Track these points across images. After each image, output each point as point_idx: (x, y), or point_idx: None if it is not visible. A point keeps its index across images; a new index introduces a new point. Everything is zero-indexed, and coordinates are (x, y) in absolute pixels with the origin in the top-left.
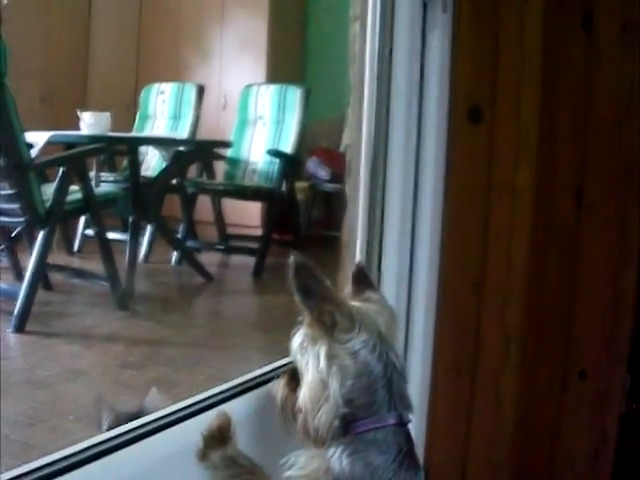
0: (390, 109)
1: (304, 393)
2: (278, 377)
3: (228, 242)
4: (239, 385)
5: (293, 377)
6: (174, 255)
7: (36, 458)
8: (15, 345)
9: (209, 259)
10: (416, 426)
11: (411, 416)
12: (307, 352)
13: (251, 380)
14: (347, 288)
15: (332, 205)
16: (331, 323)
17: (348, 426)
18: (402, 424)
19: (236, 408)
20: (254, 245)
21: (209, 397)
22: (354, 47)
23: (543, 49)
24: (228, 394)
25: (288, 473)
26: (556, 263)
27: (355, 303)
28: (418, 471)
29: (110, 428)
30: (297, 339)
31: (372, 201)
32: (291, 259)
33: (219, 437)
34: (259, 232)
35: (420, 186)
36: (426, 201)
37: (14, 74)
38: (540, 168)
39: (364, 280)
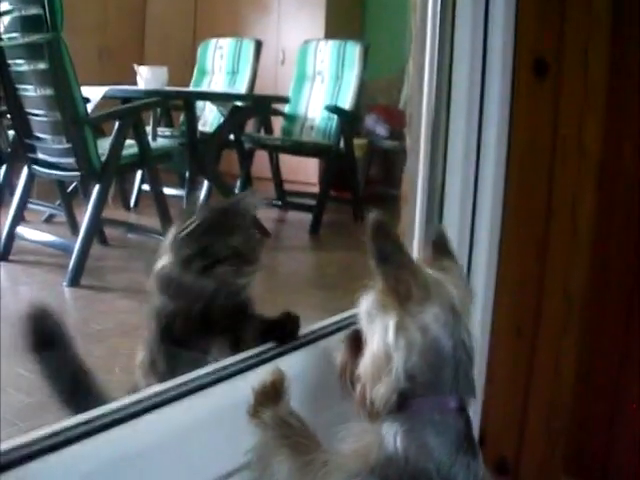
0: (453, 61)
1: (366, 362)
2: (341, 340)
3: (285, 198)
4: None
5: (356, 342)
6: None
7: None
8: (70, 299)
9: (266, 215)
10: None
11: (472, 401)
12: (375, 320)
13: (307, 335)
14: (424, 252)
15: (391, 163)
16: (405, 293)
17: (406, 402)
18: (462, 408)
19: (291, 364)
20: (311, 202)
21: (264, 352)
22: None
23: (611, 6)
24: (282, 349)
25: (339, 446)
26: (622, 225)
27: (431, 272)
28: (476, 456)
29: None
30: (365, 304)
31: (433, 155)
32: (370, 218)
33: (272, 394)
34: (316, 189)
35: (483, 141)
36: (489, 157)
37: (71, 28)
38: (608, 125)
39: (444, 246)
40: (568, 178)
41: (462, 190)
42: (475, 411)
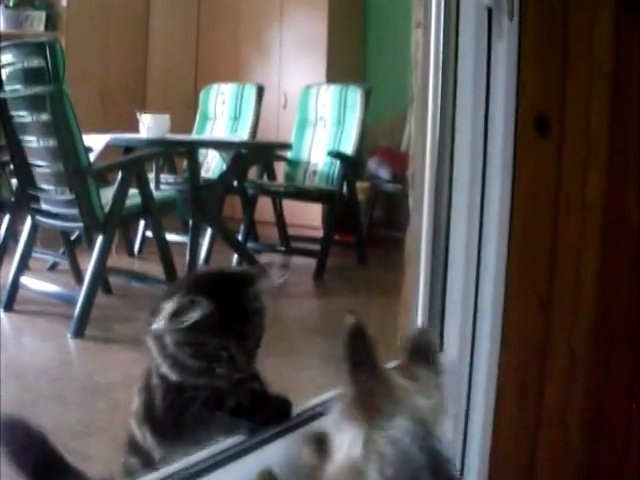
0: (455, 117)
1: (335, 473)
2: (306, 440)
3: (289, 243)
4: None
5: (322, 446)
6: (234, 257)
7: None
8: (74, 351)
9: (270, 261)
10: (481, 450)
11: None
12: (343, 429)
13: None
14: (401, 356)
15: (393, 205)
16: (375, 407)
17: None
18: None
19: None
20: (315, 247)
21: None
22: (417, 54)
23: (613, 59)
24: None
25: None
26: (627, 282)
27: (402, 381)
28: None
29: None
30: (334, 411)
31: (437, 213)
32: (347, 321)
33: None
34: (320, 233)
35: (486, 199)
36: (492, 214)
37: (73, 76)
38: (610, 182)
39: (422, 353)
40: (572, 234)
41: (466, 248)
42: (481, 475)
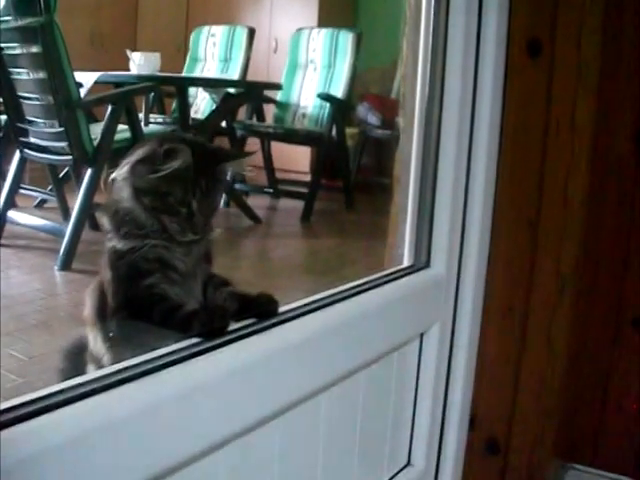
0: (447, 41)
1: None
2: None
3: (277, 186)
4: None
5: None
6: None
7: None
8: (61, 282)
9: (257, 202)
10: (466, 366)
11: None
12: None
13: (286, 313)
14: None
15: (382, 151)
16: None
17: None
18: None
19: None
20: (303, 190)
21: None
22: None
23: None
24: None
25: None
26: (614, 204)
27: None
28: None
29: None
30: None
31: (426, 135)
32: None
33: None
34: (308, 178)
35: (476, 121)
36: (482, 137)
37: (64, 12)
38: (600, 106)
39: None
40: (560, 156)
41: (455, 169)
42: (466, 392)
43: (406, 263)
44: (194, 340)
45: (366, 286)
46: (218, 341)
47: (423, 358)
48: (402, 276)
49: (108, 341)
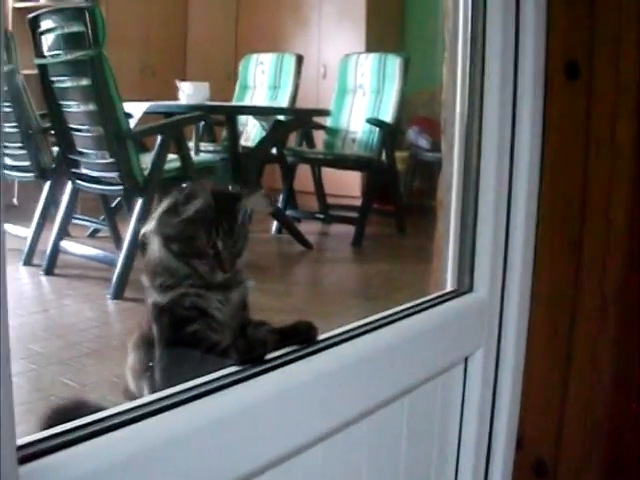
0: (485, 64)
1: None
2: None
3: (328, 211)
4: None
5: None
6: (274, 224)
7: None
8: (113, 311)
9: (309, 228)
10: (511, 389)
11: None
12: None
13: (326, 340)
14: None
15: (433, 175)
16: None
17: None
18: None
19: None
20: (354, 214)
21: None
22: (447, 2)
23: None
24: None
25: None
26: None
27: None
28: None
29: None
30: None
31: (467, 158)
32: None
33: None
34: (359, 202)
35: (516, 143)
36: (523, 158)
37: (113, 45)
38: None
39: None
40: (601, 176)
41: (496, 192)
42: (512, 415)
43: (449, 287)
44: (233, 369)
45: (409, 311)
46: (259, 368)
47: (468, 383)
48: (445, 301)
49: (152, 388)
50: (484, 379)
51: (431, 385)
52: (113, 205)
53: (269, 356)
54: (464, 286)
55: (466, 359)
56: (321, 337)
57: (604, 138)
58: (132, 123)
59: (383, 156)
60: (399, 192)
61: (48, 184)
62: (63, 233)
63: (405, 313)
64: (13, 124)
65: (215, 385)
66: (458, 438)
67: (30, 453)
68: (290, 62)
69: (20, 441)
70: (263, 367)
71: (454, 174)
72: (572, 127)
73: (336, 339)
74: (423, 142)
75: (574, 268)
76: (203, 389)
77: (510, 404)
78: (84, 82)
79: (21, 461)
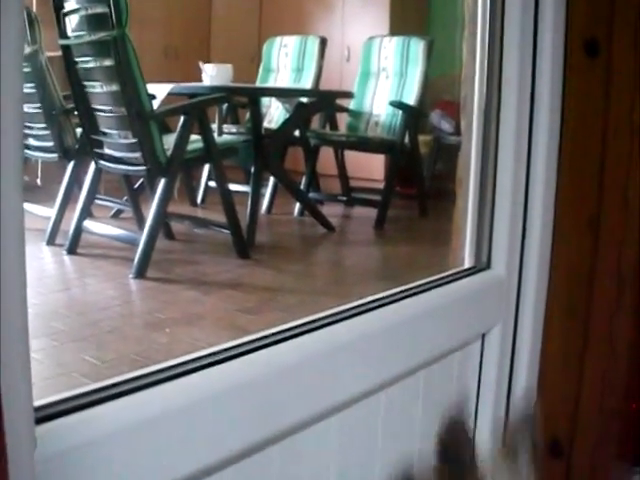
0: (504, 41)
1: None
2: None
3: (350, 194)
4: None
5: None
6: (296, 206)
7: None
8: (135, 290)
9: (331, 211)
10: (528, 366)
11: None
12: None
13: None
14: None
15: (456, 158)
16: None
17: None
18: None
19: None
20: (376, 197)
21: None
22: None
23: None
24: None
25: None
26: None
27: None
28: None
29: None
30: None
31: (486, 135)
32: (448, 415)
33: None
34: (381, 185)
35: (535, 121)
36: (542, 137)
37: (137, 26)
38: None
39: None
40: (620, 156)
41: (514, 170)
42: (529, 392)
43: (467, 264)
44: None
45: (427, 286)
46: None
47: (485, 359)
48: (463, 277)
49: None
50: (501, 355)
51: (448, 360)
52: (136, 186)
53: (290, 324)
54: (482, 263)
55: (483, 336)
56: (339, 308)
57: (623, 115)
58: (155, 104)
59: (406, 139)
60: (422, 175)
61: (71, 164)
62: (86, 213)
63: (422, 288)
64: (37, 105)
65: (237, 351)
66: (474, 415)
67: (47, 414)
68: (314, 45)
69: (37, 403)
70: (283, 335)
71: (472, 151)
72: (591, 104)
73: (353, 311)
74: (446, 125)
75: (591, 245)
76: (227, 354)
77: (526, 381)
78: (107, 63)
79: (38, 421)
